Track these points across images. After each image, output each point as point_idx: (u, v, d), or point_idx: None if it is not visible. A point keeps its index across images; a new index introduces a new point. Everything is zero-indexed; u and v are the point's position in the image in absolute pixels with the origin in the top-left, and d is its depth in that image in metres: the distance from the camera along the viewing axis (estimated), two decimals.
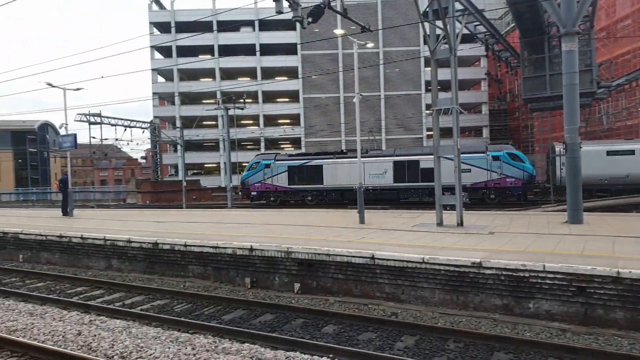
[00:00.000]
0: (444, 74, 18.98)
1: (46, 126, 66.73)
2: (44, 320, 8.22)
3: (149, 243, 12.27)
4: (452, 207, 13.78)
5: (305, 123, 52.42)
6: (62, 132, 20.73)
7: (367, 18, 28.47)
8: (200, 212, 22.24)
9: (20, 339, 7.09)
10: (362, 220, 14.34)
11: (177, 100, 53.86)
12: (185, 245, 11.61)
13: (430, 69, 14.17)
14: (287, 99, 55.92)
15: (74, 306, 9.17)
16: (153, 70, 53.03)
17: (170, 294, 10.07)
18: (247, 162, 36.50)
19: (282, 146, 59.58)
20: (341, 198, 30.59)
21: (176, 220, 17.42)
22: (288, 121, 56.06)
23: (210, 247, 11.22)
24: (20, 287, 11.14)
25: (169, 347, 6.60)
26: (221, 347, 6.64)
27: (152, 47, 51.54)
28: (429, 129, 50.26)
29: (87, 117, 37.38)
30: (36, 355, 6.55)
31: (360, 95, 15.42)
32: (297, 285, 10.01)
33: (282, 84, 52.57)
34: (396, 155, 30.44)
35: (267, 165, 32.64)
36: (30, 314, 8.67)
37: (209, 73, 54.27)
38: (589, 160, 24.56)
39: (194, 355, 6.31)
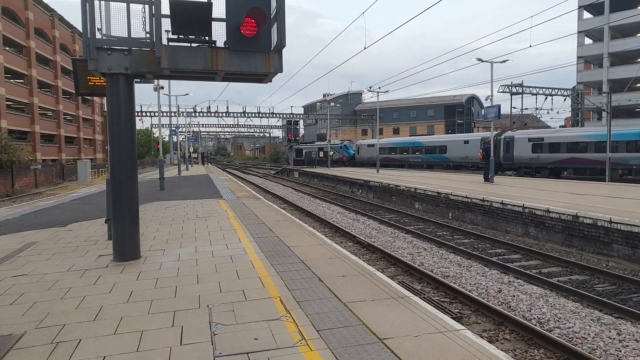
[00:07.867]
0: None
1: (472, 99, 72.44)
2: (469, 272, 9.35)
3: (568, 215, 11.85)
4: None
5: None
6: (487, 104, 22.17)
7: None
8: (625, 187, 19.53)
9: (452, 284, 8.34)
10: None
11: (605, 62, 48.03)
12: (610, 222, 10.61)
13: None
14: None
15: (494, 265, 9.96)
16: (580, 32, 48.86)
17: (590, 270, 9.50)
18: None
19: None
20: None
21: (593, 193, 15.99)
22: None
23: None
24: (450, 240, 12.87)
25: (590, 326, 6.37)
26: None
27: (580, 7, 47.49)
28: None
29: (509, 88, 38.43)
30: (464, 301, 7.57)
31: None
32: None
33: None
34: (318, 145, 60.40)
35: (293, 148, 60.52)
36: (458, 264, 10.02)
37: None
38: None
39: (620, 342, 5.87)
